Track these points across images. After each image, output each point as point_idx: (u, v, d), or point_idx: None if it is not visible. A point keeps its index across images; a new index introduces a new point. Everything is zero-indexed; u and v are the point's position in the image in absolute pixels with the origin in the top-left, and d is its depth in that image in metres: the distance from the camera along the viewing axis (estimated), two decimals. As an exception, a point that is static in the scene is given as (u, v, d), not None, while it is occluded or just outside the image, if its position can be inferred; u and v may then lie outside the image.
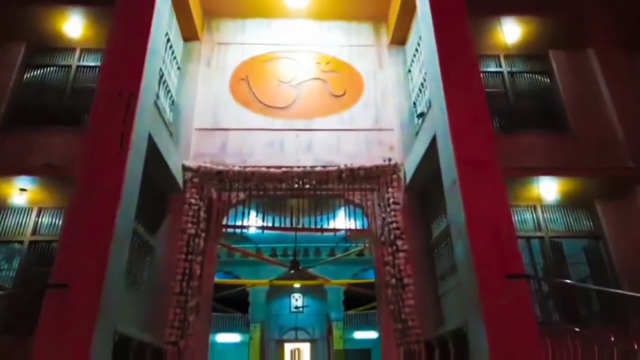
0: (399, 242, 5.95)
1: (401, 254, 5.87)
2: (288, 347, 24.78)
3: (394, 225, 6.08)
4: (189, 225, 5.99)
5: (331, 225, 10.14)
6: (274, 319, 24.94)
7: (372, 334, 26.29)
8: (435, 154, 5.21)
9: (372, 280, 21.11)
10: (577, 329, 3.76)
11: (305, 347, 24.86)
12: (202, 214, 6.13)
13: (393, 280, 5.78)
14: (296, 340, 24.67)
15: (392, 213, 6.16)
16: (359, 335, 25.96)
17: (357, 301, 23.58)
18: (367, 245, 6.79)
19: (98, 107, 4.62)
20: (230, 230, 7.35)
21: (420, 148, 5.84)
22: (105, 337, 3.74)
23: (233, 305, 22.32)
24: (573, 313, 5.38)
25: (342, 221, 7.65)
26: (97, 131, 4.46)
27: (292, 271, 14.88)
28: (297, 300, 25.01)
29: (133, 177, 4.44)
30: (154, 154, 5.28)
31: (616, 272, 5.67)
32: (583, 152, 6.02)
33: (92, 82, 6.46)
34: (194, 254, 5.86)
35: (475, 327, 3.88)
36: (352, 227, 6.87)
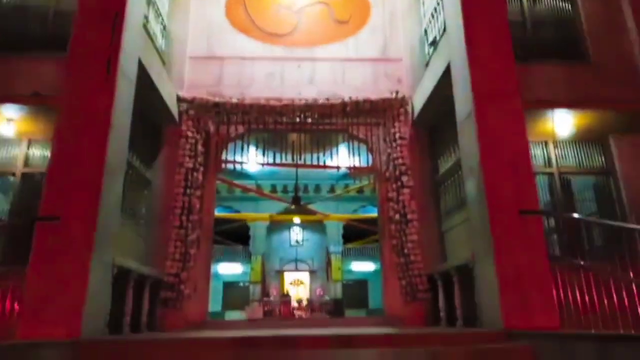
0: (404, 178, 5.78)
1: (406, 190, 5.73)
2: (288, 276, 25.80)
3: (400, 161, 5.87)
4: (187, 159, 5.78)
5: (333, 162, 9.98)
6: (275, 251, 25.68)
7: (369, 266, 27.25)
8: (447, 85, 4.88)
9: (371, 215, 21.35)
10: (583, 263, 3.68)
11: (305, 277, 25.88)
12: (199, 147, 5.89)
13: (397, 216, 5.68)
14: (296, 270, 25.62)
15: (398, 148, 5.94)
16: (357, 267, 26.90)
17: (356, 235, 24.13)
18: (370, 181, 6.63)
19: (81, 27, 4.19)
20: (230, 165, 7.16)
21: (430, 79, 5.47)
22: (104, 269, 3.66)
23: (234, 239, 22.82)
24: (579, 249, 5.34)
25: (344, 157, 7.46)
26: (81, 55, 4.07)
27: (293, 207, 14.91)
28: (297, 234, 25.60)
29: (123, 106, 4.14)
30: (145, 83, 4.92)
31: (625, 208, 5.55)
32: (603, 83, 5.65)
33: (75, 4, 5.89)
34: (193, 187, 5.70)
35: (484, 263, 3.81)
36: (356, 163, 6.65)
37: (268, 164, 8.62)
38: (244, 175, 21.17)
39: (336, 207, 22.71)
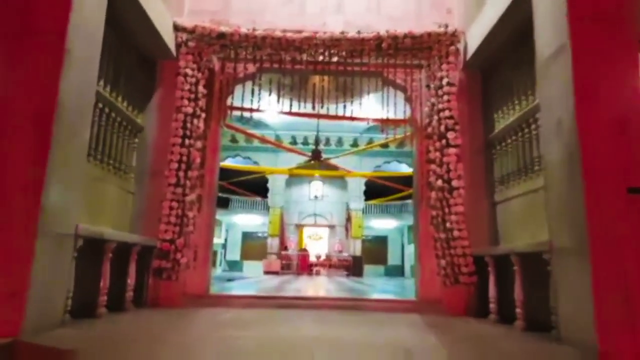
0: (450, 135, 4.65)
1: (452, 150, 4.61)
2: (307, 231, 25.35)
3: (446, 113, 4.71)
4: (185, 102, 4.76)
5: (362, 112, 8.82)
6: (293, 205, 25.10)
7: (389, 223, 26.53)
8: (520, 11, 3.64)
9: (397, 173, 20.23)
10: None
11: (324, 232, 25.39)
12: (200, 88, 4.85)
13: (439, 182, 4.61)
14: (315, 225, 25.10)
15: (445, 97, 4.75)
16: (377, 224, 26.22)
17: (378, 192, 23.19)
18: (407, 134, 5.52)
19: None
20: (236, 113, 6.14)
21: (495, 4, 4.17)
22: (58, 243, 2.80)
23: (253, 190, 22.22)
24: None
25: (374, 107, 6.26)
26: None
27: (312, 162, 13.95)
28: (317, 189, 24.79)
29: (88, 26, 3.09)
30: (129, 2, 3.83)
31: None
32: None
33: None
34: (192, 138, 4.72)
35: (569, 256, 2.77)
36: (389, 115, 5.51)
37: (284, 112, 7.57)
38: (261, 124, 20.17)
39: (359, 162, 21.64)
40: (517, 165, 4.27)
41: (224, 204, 24.71)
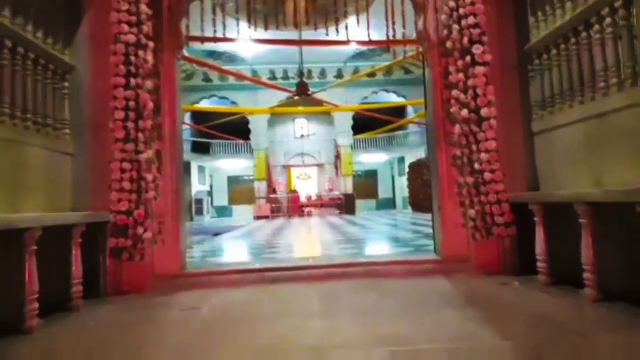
0: (476, 50, 3.57)
1: (480, 69, 3.56)
2: (295, 171, 24.48)
3: (471, 20, 3.59)
4: (125, 27, 3.54)
5: (353, 32, 7.49)
6: (279, 145, 23.97)
7: (379, 157, 25.79)
8: None
9: (389, 104, 19.07)
10: None
11: (313, 172, 24.56)
12: (144, 7, 3.60)
13: (464, 112, 3.61)
14: (303, 165, 24.18)
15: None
16: (367, 158, 25.44)
17: (366, 126, 22.11)
18: (418, 51, 4.42)
19: None
20: (204, 45, 4.90)
21: None
22: None
23: (233, 133, 20.91)
24: None
25: (359, 31, 5.01)
26: None
27: (297, 97, 12.68)
28: (302, 128, 23.52)
29: None
30: None
31: None
32: None
33: None
34: (140, 76, 3.56)
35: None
36: (390, 33, 4.34)
37: (259, 41, 6.34)
38: (237, 59, 18.45)
39: (345, 94, 20.31)
40: (569, 84, 3.28)
41: (205, 149, 23.48)
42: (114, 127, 3.51)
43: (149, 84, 3.64)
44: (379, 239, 7.94)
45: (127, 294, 3.46)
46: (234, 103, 20.98)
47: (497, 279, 3.42)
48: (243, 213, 23.81)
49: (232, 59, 18.53)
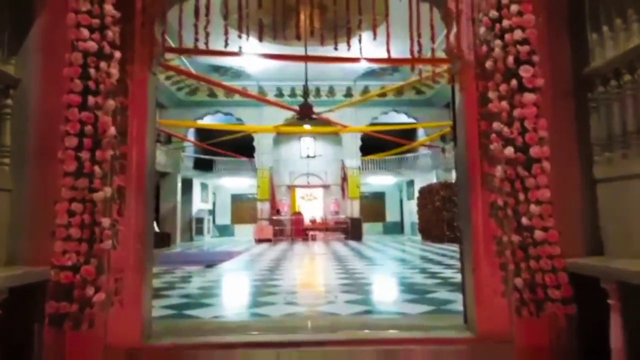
0: (524, 73, 2.81)
1: (529, 97, 2.80)
2: (300, 192, 23.65)
3: (517, 35, 2.85)
4: (84, 32, 2.84)
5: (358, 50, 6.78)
6: (283, 164, 23.23)
7: (388, 179, 24.95)
8: None
9: (399, 125, 18.36)
10: None
11: (318, 192, 23.72)
12: (108, 8, 2.90)
13: (509, 149, 2.83)
14: (308, 186, 23.36)
15: (514, 8, 2.87)
16: (374, 180, 24.61)
17: (375, 147, 21.36)
18: (434, 71, 3.68)
19: None
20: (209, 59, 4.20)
21: None
22: None
23: (237, 150, 20.24)
24: None
25: (371, 47, 4.27)
26: None
27: (297, 117, 11.98)
28: (308, 148, 22.77)
29: None
30: None
31: None
32: None
33: None
34: (100, 94, 2.85)
35: None
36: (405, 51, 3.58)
37: (267, 56, 5.67)
38: (242, 75, 17.90)
39: (354, 114, 19.63)
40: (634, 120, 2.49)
41: (207, 166, 22.81)
42: (64, 156, 2.77)
43: (111, 103, 2.90)
44: (390, 284, 6.90)
45: (67, 374, 2.67)
46: (239, 119, 20.38)
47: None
48: (245, 232, 22.99)
49: (237, 74, 18.00)
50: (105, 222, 2.80)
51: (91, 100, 2.83)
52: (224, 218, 25.95)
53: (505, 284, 2.90)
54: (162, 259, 11.50)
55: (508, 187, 2.84)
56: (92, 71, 2.85)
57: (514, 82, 2.84)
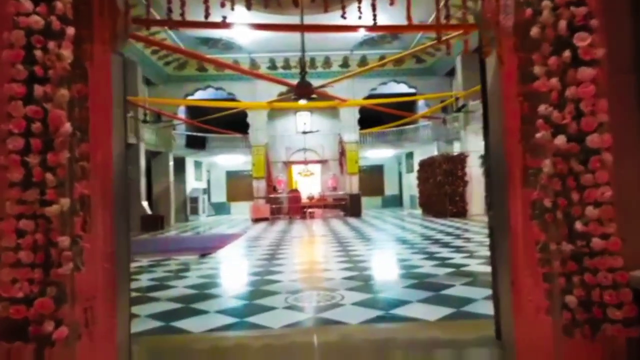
0: (580, 42, 2.26)
1: (586, 72, 2.25)
2: (296, 168, 23.08)
3: (571, -7, 2.27)
4: (26, 5, 2.25)
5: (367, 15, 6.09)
6: (279, 140, 22.55)
7: (386, 152, 24.39)
8: None
9: (399, 98, 17.64)
10: None
11: (315, 168, 23.15)
12: (52, -29, 2.28)
13: (560, 138, 2.30)
14: (305, 161, 22.76)
15: (566, -41, 2.28)
16: (372, 153, 24.04)
17: (373, 119, 20.67)
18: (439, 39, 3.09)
19: None
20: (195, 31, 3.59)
21: None
22: None
23: (231, 126, 19.51)
24: None
25: (368, 14, 3.63)
26: None
27: (295, 97, 11.30)
28: (305, 124, 22.02)
29: None
30: None
31: None
32: None
33: None
34: (50, 81, 2.28)
35: None
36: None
37: (258, 26, 5.10)
38: (233, 46, 16.99)
39: (351, 86, 18.83)
40: None
41: (200, 144, 22.11)
42: (8, 162, 2.23)
43: (65, 93, 2.32)
44: (398, 278, 6.16)
45: None
46: (230, 94, 19.57)
47: None
48: (241, 210, 22.57)
49: (228, 46, 17.09)
50: (63, 241, 2.27)
51: (39, 90, 2.26)
52: (219, 196, 25.46)
53: (550, 299, 2.43)
54: (154, 246, 11.05)
55: (558, 185, 2.32)
56: (38, 53, 2.27)
57: (566, 53, 2.28)
